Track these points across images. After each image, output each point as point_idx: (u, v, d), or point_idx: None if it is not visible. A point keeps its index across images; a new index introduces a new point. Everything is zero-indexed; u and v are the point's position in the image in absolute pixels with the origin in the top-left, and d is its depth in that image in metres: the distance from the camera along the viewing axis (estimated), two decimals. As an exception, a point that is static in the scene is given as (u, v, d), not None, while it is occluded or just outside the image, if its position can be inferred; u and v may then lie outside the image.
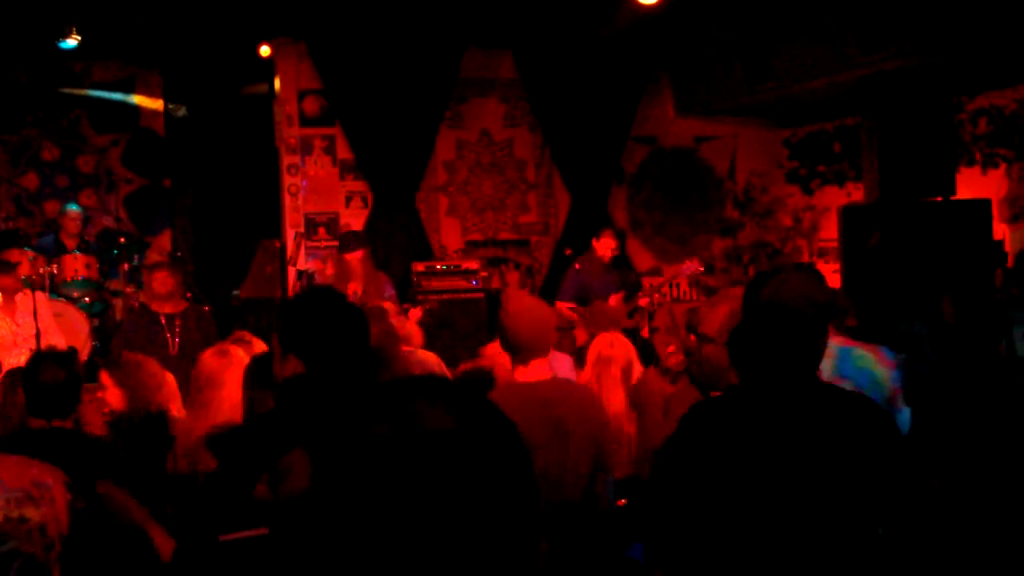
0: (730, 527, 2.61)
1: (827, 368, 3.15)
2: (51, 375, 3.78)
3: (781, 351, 2.72)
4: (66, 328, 8.32)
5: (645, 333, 9.26)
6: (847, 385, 3.09)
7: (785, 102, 10.69)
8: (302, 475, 2.21)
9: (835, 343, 3.26)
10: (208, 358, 4.43)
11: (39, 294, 8.18)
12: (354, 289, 7.97)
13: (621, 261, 9.61)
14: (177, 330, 7.71)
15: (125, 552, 2.86)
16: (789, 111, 11.33)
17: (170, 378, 4.62)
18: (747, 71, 10.06)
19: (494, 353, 4.98)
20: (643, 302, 9.10)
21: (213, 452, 2.65)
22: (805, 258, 11.68)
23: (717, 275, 11.56)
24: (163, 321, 7.67)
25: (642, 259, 11.45)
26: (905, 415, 4.44)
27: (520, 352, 4.01)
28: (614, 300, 8.93)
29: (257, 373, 3.57)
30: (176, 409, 4.46)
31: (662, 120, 11.61)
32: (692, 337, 4.90)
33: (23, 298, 7.90)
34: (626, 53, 10.73)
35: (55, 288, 9.10)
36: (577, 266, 9.07)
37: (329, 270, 9.42)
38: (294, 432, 2.38)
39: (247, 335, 5.17)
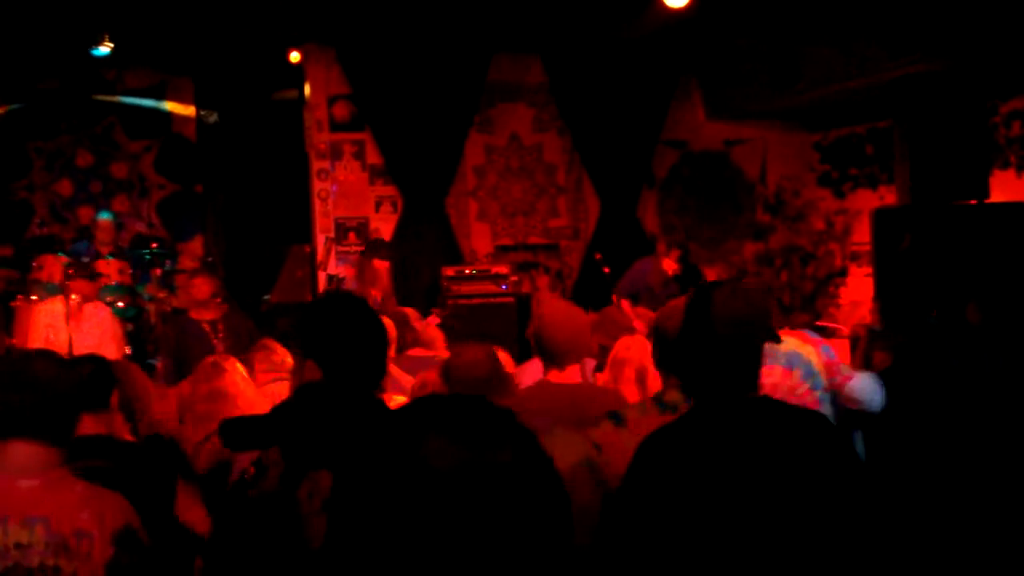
0: (691, 562, 2.53)
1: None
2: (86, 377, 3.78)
3: (720, 370, 2.64)
4: (91, 330, 8.40)
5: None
6: (796, 374, 3.03)
7: (816, 105, 10.61)
8: (273, 477, 2.20)
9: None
10: (204, 368, 4.43)
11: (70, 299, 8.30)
12: (375, 295, 8.00)
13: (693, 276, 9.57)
14: (220, 336, 7.77)
15: None
16: (820, 114, 11.25)
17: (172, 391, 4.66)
18: (777, 74, 10.00)
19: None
20: None
21: (222, 436, 2.63)
22: (838, 262, 11.58)
23: (749, 279, 11.48)
24: (207, 328, 7.73)
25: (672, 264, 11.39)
26: (859, 382, 4.41)
27: (554, 357, 4.01)
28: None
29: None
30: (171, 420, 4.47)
31: (692, 123, 11.56)
32: None
33: (91, 308, 8.08)
34: (655, 56, 10.70)
35: (88, 293, 9.17)
36: (639, 266, 9.18)
37: (351, 272, 9.45)
38: (304, 434, 2.36)
39: (270, 342, 5.18)
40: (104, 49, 9.64)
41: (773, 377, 4.04)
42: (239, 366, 4.54)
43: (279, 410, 2.51)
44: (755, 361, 2.68)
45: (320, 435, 2.27)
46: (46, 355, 3.01)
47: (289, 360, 5.65)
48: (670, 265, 9.22)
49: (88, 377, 3.46)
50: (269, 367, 4.87)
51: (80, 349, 7.76)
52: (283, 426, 2.30)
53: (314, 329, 2.62)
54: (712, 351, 2.64)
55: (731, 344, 2.64)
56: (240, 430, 2.66)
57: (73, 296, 7.96)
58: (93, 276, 8.29)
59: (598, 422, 3.31)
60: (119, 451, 3.43)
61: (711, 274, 9.36)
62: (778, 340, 2.85)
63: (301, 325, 2.67)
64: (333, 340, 2.58)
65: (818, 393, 4.28)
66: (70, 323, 7.90)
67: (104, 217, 10.22)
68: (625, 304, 9.04)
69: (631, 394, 4.30)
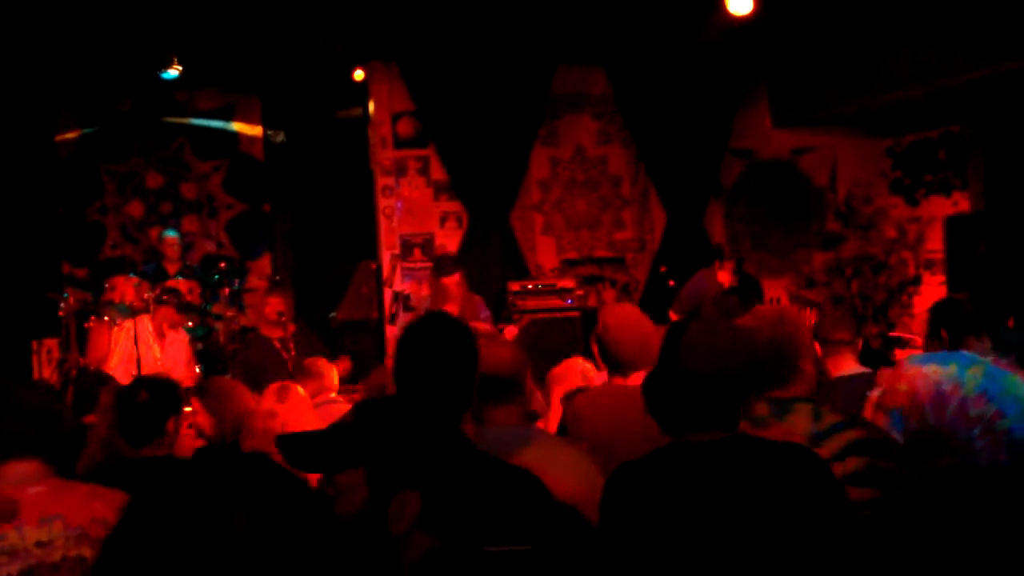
0: None
1: (972, 382, 2.85)
2: (143, 400, 3.82)
3: (688, 407, 2.57)
4: (170, 352, 8.54)
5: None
6: (988, 407, 2.82)
7: (887, 110, 10.42)
8: (356, 500, 2.17)
9: (988, 360, 3.02)
10: (270, 394, 4.44)
11: (143, 319, 8.46)
12: (450, 311, 7.99)
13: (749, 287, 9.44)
14: (292, 354, 7.85)
15: None
16: (891, 119, 11.03)
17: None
18: (846, 79, 9.84)
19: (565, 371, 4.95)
20: None
21: (281, 450, 2.62)
22: (911, 270, 11.35)
23: (819, 289, 11.30)
24: (277, 346, 7.81)
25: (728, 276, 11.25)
26: None
27: (620, 366, 3.97)
28: None
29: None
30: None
31: (759, 132, 11.41)
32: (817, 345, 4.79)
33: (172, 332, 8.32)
34: (721, 65, 10.58)
35: (159, 313, 9.31)
36: (696, 280, 9.11)
37: (424, 291, 9.46)
38: (390, 455, 2.31)
39: (319, 365, 5.20)
40: (173, 72, 9.78)
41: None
42: (302, 391, 4.55)
43: (347, 430, 2.47)
44: (730, 399, 2.60)
45: (406, 456, 2.24)
46: (36, 384, 3.19)
47: (336, 383, 5.67)
48: (725, 277, 9.11)
49: (141, 405, 3.49)
50: (316, 390, 4.89)
51: (151, 369, 7.89)
52: (364, 448, 2.26)
53: (409, 351, 2.60)
54: (679, 387, 2.57)
55: (699, 381, 2.56)
56: (307, 449, 2.62)
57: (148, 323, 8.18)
58: (181, 306, 8.47)
59: None
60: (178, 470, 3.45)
61: (772, 285, 9.22)
62: (762, 388, 2.81)
63: (398, 346, 2.65)
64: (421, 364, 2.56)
65: None
66: (141, 345, 8.04)
67: (170, 235, 10.38)
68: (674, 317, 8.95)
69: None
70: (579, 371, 5.39)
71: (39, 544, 2.69)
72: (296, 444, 2.67)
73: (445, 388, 2.55)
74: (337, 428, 2.71)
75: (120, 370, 7.93)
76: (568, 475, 3.06)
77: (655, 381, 2.68)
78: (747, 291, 9.22)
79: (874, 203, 11.70)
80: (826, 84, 10.27)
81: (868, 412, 3.06)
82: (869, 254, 11.55)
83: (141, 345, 8.19)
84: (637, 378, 3.99)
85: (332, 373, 5.85)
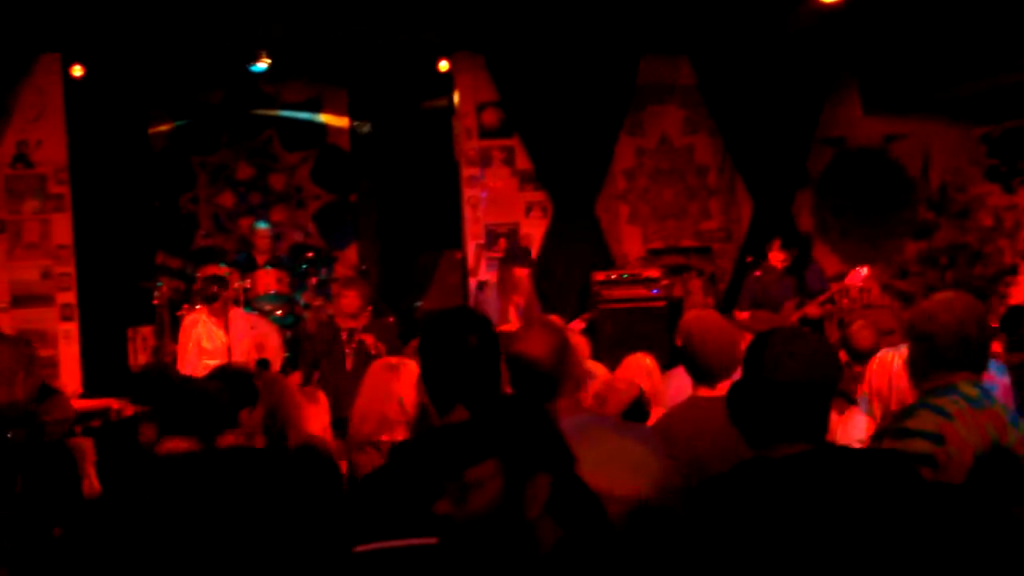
0: None
1: None
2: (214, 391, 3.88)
3: (782, 420, 2.49)
4: (259, 341, 8.70)
5: (836, 333, 9.08)
6: None
7: (982, 97, 10.18)
8: (492, 491, 2.17)
9: None
10: (377, 370, 4.49)
11: (236, 309, 8.63)
12: (517, 302, 8.03)
13: (802, 266, 9.33)
14: (354, 345, 7.94)
15: None
16: (986, 106, 10.77)
17: (321, 396, 4.76)
18: (940, 66, 9.62)
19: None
20: (811, 311, 8.86)
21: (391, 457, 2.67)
22: (1007, 259, 11.08)
23: (911, 279, 11.07)
24: (344, 336, 7.91)
25: (829, 264, 11.06)
26: None
27: (704, 376, 3.89)
28: (787, 309, 8.81)
29: None
30: (318, 428, 4.55)
31: (849, 120, 11.20)
32: (842, 353, 4.72)
33: (249, 317, 8.47)
34: (810, 52, 10.39)
35: (248, 302, 9.49)
36: (758, 273, 9.02)
37: (494, 279, 9.48)
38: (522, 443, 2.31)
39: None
40: (262, 65, 9.94)
41: None
42: (413, 367, 4.60)
43: (473, 425, 2.43)
44: (815, 409, 2.53)
45: (536, 442, 2.25)
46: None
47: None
48: (776, 257, 8.96)
49: (215, 393, 3.56)
50: None
51: (239, 357, 8.05)
52: (493, 439, 2.26)
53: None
54: (764, 397, 2.52)
55: (784, 390, 2.50)
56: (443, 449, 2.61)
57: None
58: (208, 297, 8.57)
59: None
60: (259, 460, 3.51)
61: (856, 274, 9.03)
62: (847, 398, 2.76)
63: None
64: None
65: None
66: (229, 332, 8.20)
67: (261, 226, 10.53)
68: (745, 316, 8.87)
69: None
70: (644, 369, 5.35)
71: None
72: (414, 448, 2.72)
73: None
74: (455, 427, 2.71)
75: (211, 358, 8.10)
76: (630, 470, 3.02)
77: (739, 392, 2.64)
78: (802, 268, 9.10)
79: (968, 191, 11.44)
80: (919, 70, 10.05)
81: None
82: (963, 243, 11.30)
83: (231, 333, 8.35)
84: (724, 387, 3.94)
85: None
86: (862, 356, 4.82)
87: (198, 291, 8.53)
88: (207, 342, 8.23)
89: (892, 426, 3.06)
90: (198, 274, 9.57)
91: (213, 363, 7.48)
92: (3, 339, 5.50)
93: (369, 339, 7.88)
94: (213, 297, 8.48)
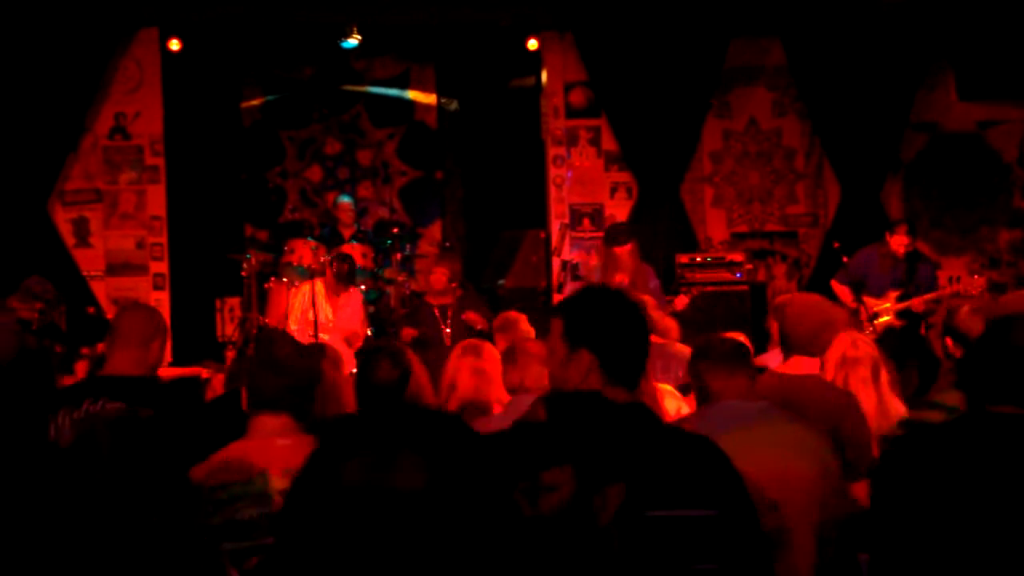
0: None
1: None
2: (385, 373, 3.97)
3: (1015, 385, 2.61)
4: (344, 315, 8.82)
5: (922, 331, 8.95)
6: None
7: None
8: (563, 495, 2.20)
9: None
10: (455, 357, 4.55)
11: (319, 282, 8.76)
12: (620, 280, 8.04)
13: (915, 257, 9.17)
14: (449, 320, 8.05)
15: None
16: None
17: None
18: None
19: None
20: (916, 306, 8.72)
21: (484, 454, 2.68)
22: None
23: (1003, 270, 10.85)
24: (437, 313, 8.02)
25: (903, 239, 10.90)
26: None
27: (794, 348, 4.03)
28: (889, 296, 8.72)
29: None
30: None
31: (942, 105, 10.97)
32: (948, 339, 4.67)
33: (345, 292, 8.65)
34: (903, 35, 10.21)
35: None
36: (863, 255, 8.93)
37: (593, 260, 9.49)
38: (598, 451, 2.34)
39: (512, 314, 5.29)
40: (353, 41, 10.04)
41: None
42: (494, 349, 4.66)
43: (546, 428, 2.45)
44: None
45: (612, 450, 2.29)
46: (290, 342, 3.36)
47: (532, 331, 5.78)
48: (900, 242, 8.81)
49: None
50: (511, 342, 4.96)
51: (325, 330, 8.19)
52: (568, 444, 2.29)
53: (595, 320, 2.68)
54: (1008, 361, 2.63)
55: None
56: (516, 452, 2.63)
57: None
58: (340, 275, 8.73)
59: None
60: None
61: (973, 282, 8.92)
62: None
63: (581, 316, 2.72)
64: (614, 332, 2.66)
65: None
66: (317, 307, 8.33)
67: (344, 200, 10.67)
68: (844, 291, 8.79)
69: (866, 395, 4.17)
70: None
71: (282, 493, 2.87)
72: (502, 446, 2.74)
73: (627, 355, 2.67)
74: (533, 427, 2.73)
75: (297, 331, 8.24)
76: (796, 455, 3.13)
77: (978, 353, 2.79)
78: (915, 261, 8.97)
79: (1066, 180, 11.17)
80: (1015, 56, 9.82)
81: None
82: (1059, 234, 11.04)
83: (317, 307, 8.48)
84: (810, 363, 3.96)
85: (524, 322, 5.98)
86: (970, 342, 4.78)
87: (334, 271, 8.69)
88: (313, 314, 8.37)
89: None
90: (285, 247, 9.73)
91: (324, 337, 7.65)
92: (139, 307, 5.66)
93: (475, 316, 8.00)
94: (350, 277, 8.70)
